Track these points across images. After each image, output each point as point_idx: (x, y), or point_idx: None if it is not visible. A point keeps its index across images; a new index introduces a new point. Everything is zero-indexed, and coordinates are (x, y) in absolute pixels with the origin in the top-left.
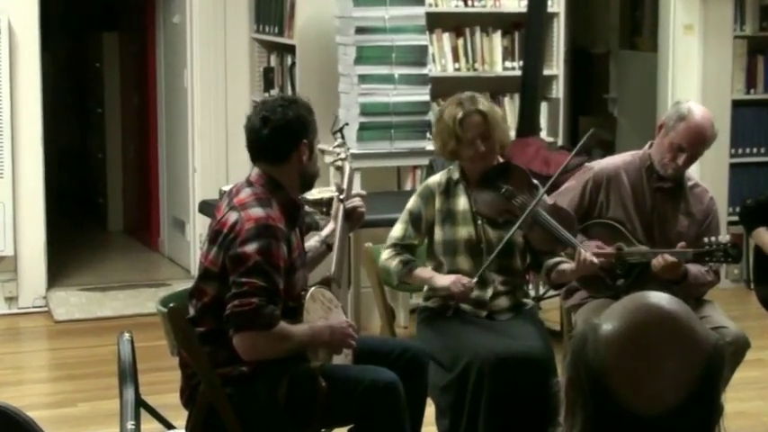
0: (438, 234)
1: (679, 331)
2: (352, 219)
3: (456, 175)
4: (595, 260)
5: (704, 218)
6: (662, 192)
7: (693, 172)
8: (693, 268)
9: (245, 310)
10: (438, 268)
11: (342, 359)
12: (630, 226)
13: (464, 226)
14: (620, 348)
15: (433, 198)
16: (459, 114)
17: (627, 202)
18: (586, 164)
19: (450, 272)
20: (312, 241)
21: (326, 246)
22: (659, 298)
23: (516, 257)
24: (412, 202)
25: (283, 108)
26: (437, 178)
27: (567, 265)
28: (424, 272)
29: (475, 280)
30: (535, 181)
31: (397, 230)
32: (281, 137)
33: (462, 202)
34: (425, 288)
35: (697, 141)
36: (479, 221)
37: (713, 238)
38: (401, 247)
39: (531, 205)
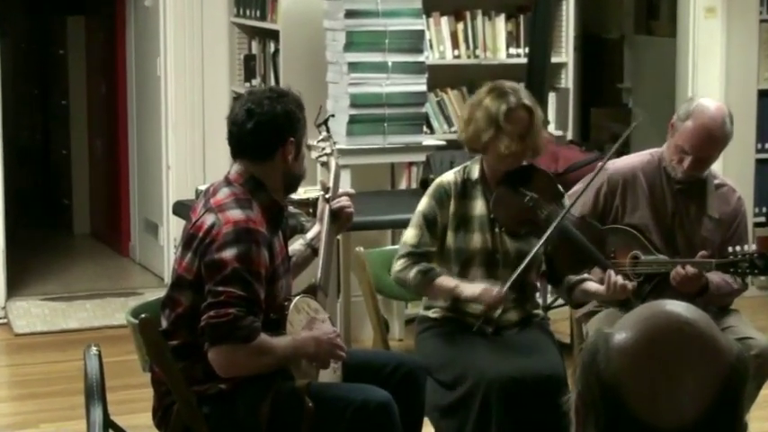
0: (450, 240)
1: (699, 340)
2: (340, 220)
3: (475, 175)
4: (629, 285)
5: (731, 221)
6: (683, 193)
7: (716, 168)
8: (716, 277)
9: (221, 321)
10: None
11: (330, 375)
12: (649, 232)
13: (480, 233)
14: (635, 358)
15: (448, 200)
16: (507, 105)
17: (645, 207)
18: (599, 164)
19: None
20: (296, 245)
21: (312, 249)
22: (677, 306)
23: (533, 272)
24: (425, 205)
25: (271, 101)
26: (451, 177)
27: (594, 285)
28: (448, 281)
29: (505, 288)
30: (560, 187)
31: (410, 237)
32: (266, 132)
33: (479, 207)
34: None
35: (701, 144)
36: (497, 230)
37: (738, 248)
38: (417, 255)
39: (559, 218)
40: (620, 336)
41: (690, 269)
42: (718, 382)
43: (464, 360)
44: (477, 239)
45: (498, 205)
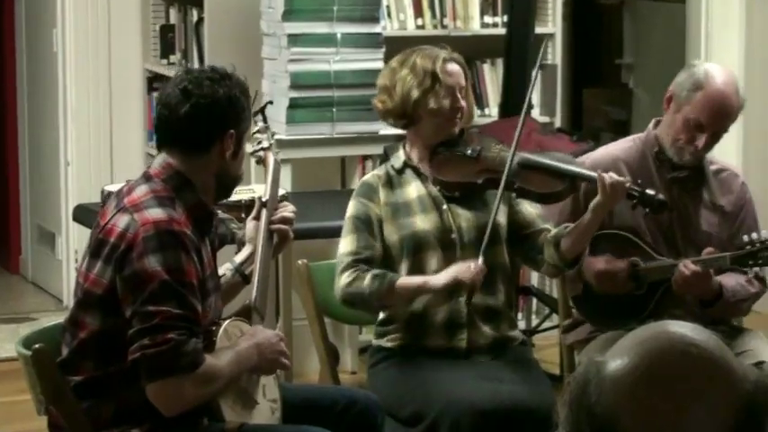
0: (391, 232)
1: (708, 364)
2: (279, 236)
3: (399, 163)
4: (624, 180)
5: (737, 210)
6: (678, 183)
7: (732, 152)
8: (729, 280)
9: (161, 350)
10: None
11: (266, 415)
12: (644, 233)
13: (423, 214)
14: (634, 388)
15: (376, 193)
16: (442, 57)
17: None
18: (575, 160)
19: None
20: (222, 269)
21: (241, 276)
22: (681, 326)
23: (500, 246)
24: (352, 207)
25: (212, 82)
26: (374, 173)
27: (583, 216)
28: (410, 280)
29: (481, 260)
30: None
31: (347, 245)
32: (203, 119)
33: (414, 189)
34: (378, 320)
35: (721, 114)
36: (444, 205)
37: (754, 235)
38: (363, 261)
39: (515, 140)
40: (614, 363)
41: (693, 267)
42: (733, 413)
43: (425, 391)
44: (422, 221)
45: (442, 170)
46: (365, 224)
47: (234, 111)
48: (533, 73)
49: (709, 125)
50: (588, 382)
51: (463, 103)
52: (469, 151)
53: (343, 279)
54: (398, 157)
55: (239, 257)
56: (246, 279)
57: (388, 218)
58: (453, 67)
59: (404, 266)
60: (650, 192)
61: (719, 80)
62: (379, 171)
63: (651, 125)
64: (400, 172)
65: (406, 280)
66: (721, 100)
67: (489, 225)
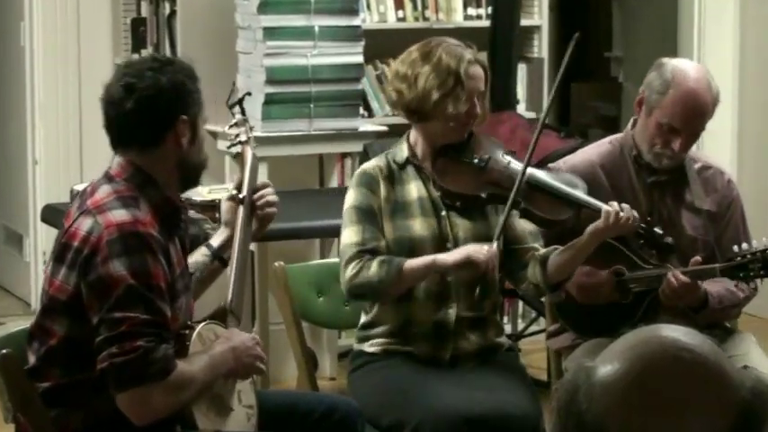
0: (388, 230)
1: (702, 370)
2: (260, 221)
3: (402, 157)
4: (635, 219)
5: (723, 209)
6: (659, 186)
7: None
8: (714, 286)
9: (130, 358)
10: None
11: (242, 423)
12: (625, 240)
13: (422, 218)
14: (625, 395)
15: (378, 185)
16: (467, 58)
17: None
18: (551, 165)
19: None
20: (197, 255)
21: (219, 260)
22: (674, 330)
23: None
24: (354, 196)
25: (154, 72)
26: (374, 163)
27: (577, 240)
28: (418, 261)
29: (495, 244)
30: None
31: (351, 236)
32: (151, 111)
33: (415, 189)
34: (361, 324)
35: (694, 115)
36: (443, 212)
37: (744, 245)
38: (366, 252)
39: (527, 157)
40: (604, 369)
41: (682, 278)
42: (729, 421)
43: (407, 399)
44: (419, 226)
45: (445, 176)
46: (368, 214)
47: (181, 96)
48: (550, 95)
49: (683, 127)
50: (577, 388)
51: (479, 110)
52: (477, 160)
53: (349, 271)
54: (401, 151)
55: (216, 241)
56: (224, 263)
57: (386, 215)
58: (477, 70)
59: None
60: (658, 231)
61: (688, 79)
62: (380, 162)
63: (629, 124)
64: (402, 167)
65: (413, 261)
66: (693, 99)
67: (504, 216)
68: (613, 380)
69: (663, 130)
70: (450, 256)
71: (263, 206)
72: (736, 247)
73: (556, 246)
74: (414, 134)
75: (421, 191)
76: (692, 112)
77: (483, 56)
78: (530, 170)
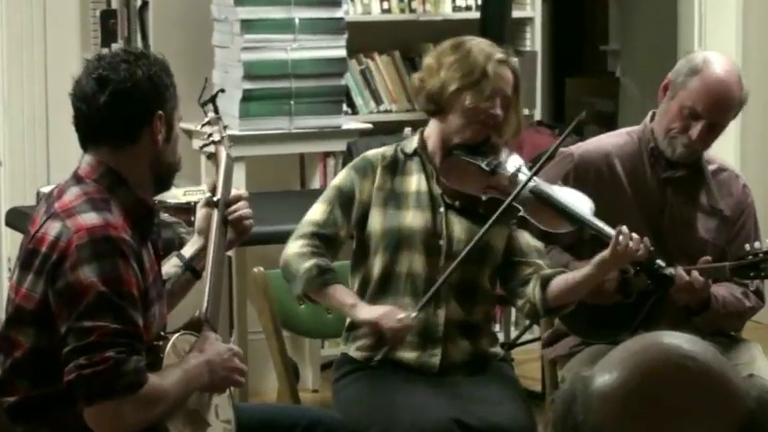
0: (376, 220)
1: (705, 379)
2: (235, 232)
3: (411, 148)
4: (646, 248)
5: (737, 215)
6: (674, 183)
7: (730, 149)
8: (721, 290)
9: (99, 370)
10: (363, 287)
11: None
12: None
13: (417, 211)
14: (624, 404)
15: (372, 173)
16: (499, 54)
17: (625, 203)
18: (563, 149)
19: (392, 274)
20: (169, 266)
21: (192, 271)
22: (676, 337)
23: (485, 269)
24: (342, 177)
25: (129, 65)
26: (379, 151)
27: (582, 268)
28: (344, 294)
29: (414, 314)
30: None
31: (316, 212)
32: (126, 105)
33: (416, 182)
34: (347, 323)
35: (718, 102)
36: (441, 208)
37: (757, 245)
38: (320, 237)
39: (537, 168)
40: (603, 378)
41: (695, 275)
42: None
43: (392, 410)
44: (413, 218)
45: (450, 174)
46: (345, 199)
47: (157, 90)
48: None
49: (705, 114)
50: (574, 398)
51: (499, 112)
52: (485, 164)
53: (292, 247)
54: (412, 142)
55: (188, 251)
56: (197, 274)
57: (377, 204)
58: (506, 72)
59: (378, 261)
60: (660, 263)
61: (721, 67)
62: (387, 151)
63: (648, 117)
64: (409, 158)
65: (338, 290)
66: (719, 87)
67: (491, 221)
68: (612, 389)
69: (683, 114)
70: (365, 312)
71: (237, 221)
72: (747, 246)
73: (561, 269)
74: (429, 128)
75: (421, 184)
76: (718, 100)
77: (516, 62)
78: (538, 181)
